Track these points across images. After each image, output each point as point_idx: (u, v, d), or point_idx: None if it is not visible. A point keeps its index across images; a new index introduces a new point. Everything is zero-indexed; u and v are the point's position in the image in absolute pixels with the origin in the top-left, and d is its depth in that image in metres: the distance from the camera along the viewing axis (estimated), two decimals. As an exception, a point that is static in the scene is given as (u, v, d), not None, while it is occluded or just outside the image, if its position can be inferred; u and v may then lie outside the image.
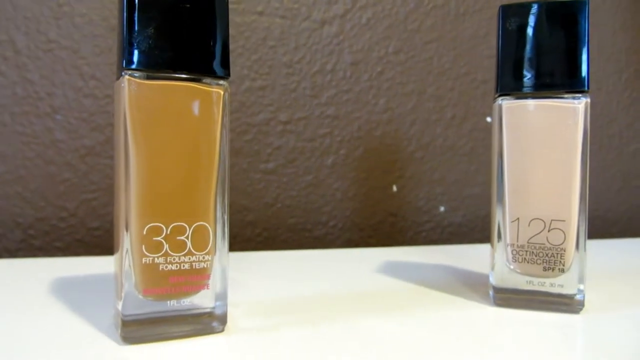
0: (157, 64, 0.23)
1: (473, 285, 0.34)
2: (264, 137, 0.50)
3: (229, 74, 0.24)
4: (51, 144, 0.45)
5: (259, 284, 0.34)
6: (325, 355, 0.22)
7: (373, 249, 0.50)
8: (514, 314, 0.28)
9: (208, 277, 0.24)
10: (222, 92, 0.24)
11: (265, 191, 0.50)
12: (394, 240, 0.54)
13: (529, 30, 0.28)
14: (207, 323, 0.24)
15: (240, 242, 0.50)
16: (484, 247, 0.49)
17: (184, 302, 0.23)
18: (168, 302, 0.23)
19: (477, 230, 0.56)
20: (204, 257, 0.24)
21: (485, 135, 0.56)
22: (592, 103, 0.58)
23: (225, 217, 0.25)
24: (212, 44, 0.24)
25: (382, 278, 0.36)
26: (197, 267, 0.24)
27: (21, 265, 0.39)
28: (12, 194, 0.45)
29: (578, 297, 0.28)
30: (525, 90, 0.29)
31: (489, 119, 0.56)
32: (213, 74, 0.24)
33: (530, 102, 0.28)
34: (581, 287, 0.28)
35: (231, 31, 0.49)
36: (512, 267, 0.29)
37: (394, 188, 0.54)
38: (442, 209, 0.55)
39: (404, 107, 0.54)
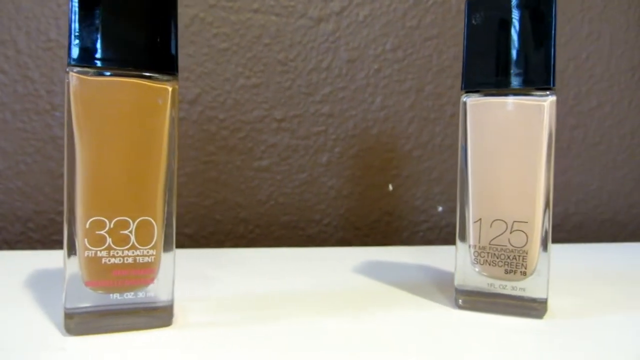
0: (102, 61, 0.23)
1: (447, 287, 0.33)
2: (257, 135, 0.50)
3: (175, 70, 0.25)
4: (50, 140, 0.47)
5: (232, 281, 0.34)
6: (262, 352, 0.22)
7: (365, 248, 0.49)
8: (473, 317, 0.27)
9: (152, 271, 0.24)
10: (168, 89, 0.24)
11: (259, 188, 0.51)
12: (390, 240, 0.53)
13: (495, 26, 0.27)
14: (151, 317, 0.24)
15: (232, 238, 0.50)
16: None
17: (127, 295, 0.24)
18: (111, 295, 0.24)
19: (477, 231, 0.55)
20: (148, 252, 0.24)
21: (487, 134, 0.55)
22: (601, 102, 0.55)
23: (173, 213, 0.25)
24: (158, 40, 0.24)
25: (360, 278, 0.36)
26: (141, 261, 0.24)
27: (20, 257, 0.41)
28: (12, 189, 0.46)
29: (541, 301, 0.27)
30: (490, 87, 0.28)
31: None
32: (159, 71, 0.24)
33: (495, 100, 0.28)
34: (545, 291, 0.27)
35: (226, 29, 0.49)
36: (475, 269, 0.28)
37: (390, 187, 0.53)
38: (440, 209, 0.54)
39: (402, 105, 0.53)
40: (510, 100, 0.27)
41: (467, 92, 0.28)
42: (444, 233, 0.54)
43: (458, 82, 0.54)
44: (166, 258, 0.25)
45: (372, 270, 0.38)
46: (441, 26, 0.53)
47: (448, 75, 0.53)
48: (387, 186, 0.53)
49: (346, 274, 0.37)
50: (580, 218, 0.57)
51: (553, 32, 0.27)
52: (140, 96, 0.24)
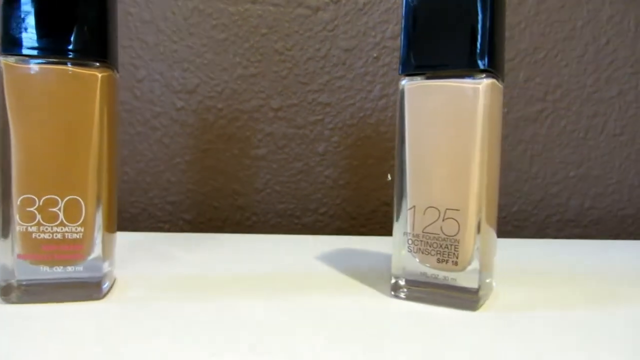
0: (31, 49, 0.25)
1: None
2: (255, 124, 0.51)
3: (105, 57, 0.26)
4: None
5: (193, 263, 0.35)
6: (173, 327, 0.23)
7: (340, 237, 0.49)
8: (404, 307, 0.27)
9: (81, 247, 0.26)
10: (97, 75, 0.25)
11: (256, 177, 0.52)
12: (388, 230, 0.52)
13: (431, 7, 0.27)
14: (80, 291, 0.26)
15: (230, 225, 0.52)
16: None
17: (56, 269, 0.25)
18: (41, 267, 0.25)
19: (481, 224, 0.53)
20: (76, 229, 0.25)
21: (494, 123, 0.52)
22: (623, 89, 0.52)
23: (103, 193, 0.26)
24: (86, 28, 0.25)
25: (319, 264, 0.36)
26: (69, 237, 0.25)
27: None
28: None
29: (472, 293, 0.26)
30: (424, 70, 0.27)
31: (498, 107, 0.52)
32: (89, 58, 0.25)
33: (429, 83, 0.27)
34: (475, 282, 0.26)
35: (224, 20, 0.50)
36: (408, 257, 0.28)
37: (389, 177, 0.52)
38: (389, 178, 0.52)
39: (401, 94, 0.52)
40: (445, 83, 0.26)
41: (403, 75, 0.28)
42: (446, 225, 0.53)
43: (461, 70, 0.52)
44: (99, 236, 0.26)
45: (336, 258, 0.38)
46: (444, 12, 0.51)
47: (452, 63, 0.52)
48: (386, 176, 0.52)
49: (308, 260, 0.37)
50: (599, 213, 0.54)
51: (489, 10, 0.25)
52: (68, 83, 0.25)
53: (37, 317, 0.24)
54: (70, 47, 0.25)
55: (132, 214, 0.51)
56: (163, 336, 0.22)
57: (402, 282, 0.28)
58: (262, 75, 0.51)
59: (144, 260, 0.35)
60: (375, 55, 0.51)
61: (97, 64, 0.26)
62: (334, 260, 0.37)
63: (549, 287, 0.32)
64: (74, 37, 0.25)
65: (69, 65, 0.25)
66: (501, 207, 0.53)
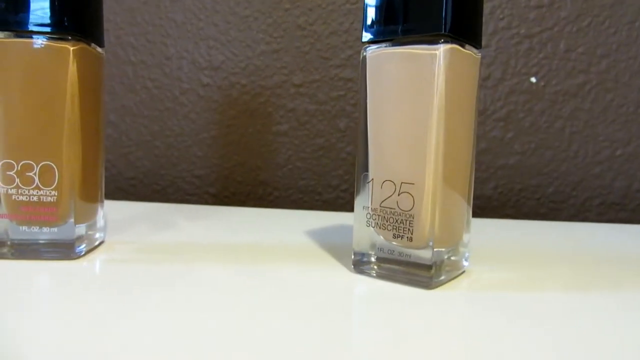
0: (6, 23, 0.26)
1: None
2: (277, 100, 0.52)
3: (79, 32, 0.27)
4: (98, 104, 0.53)
5: (191, 232, 0.37)
6: (135, 288, 0.24)
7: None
8: (357, 282, 0.26)
9: (56, 210, 0.28)
10: (69, 49, 0.27)
11: (277, 152, 0.52)
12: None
13: (392, -31, 0.25)
14: (55, 250, 0.28)
15: (252, 199, 0.53)
16: (504, 222, 0.44)
17: (34, 229, 0.28)
18: (21, 227, 0.28)
19: (510, 205, 0.50)
20: (50, 192, 0.27)
21: (528, 98, 0.49)
22: None
23: (76, 160, 0.28)
24: (62, 4, 0.27)
25: (304, 238, 0.36)
26: (44, 200, 0.27)
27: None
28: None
29: (427, 271, 0.25)
30: (385, 37, 0.26)
31: (533, 79, 0.49)
32: (62, 32, 0.27)
33: (388, 50, 0.25)
34: (429, 260, 0.25)
35: (248, -3, 0.51)
36: (369, 231, 0.27)
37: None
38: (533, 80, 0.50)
39: (427, 68, 0.50)
40: (403, 50, 0.25)
41: (364, 44, 0.26)
42: (473, 206, 0.50)
43: (492, 41, 0.49)
44: (74, 200, 0.28)
45: (331, 233, 0.37)
46: (475, -21, 0.48)
47: (483, 33, 0.49)
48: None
49: (300, 235, 0.37)
50: (649, 197, 0.49)
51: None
52: (40, 55, 0.27)
53: (6, 272, 0.26)
54: (44, 21, 0.27)
55: (162, 186, 0.53)
56: (120, 294, 0.23)
57: (362, 258, 0.27)
58: (284, 50, 0.51)
59: (145, 229, 0.37)
60: (399, 27, 0.50)
61: (70, 37, 0.27)
62: (326, 234, 0.37)
63: (538, 270, 0.29)
64: (48, 12, 0.27)
65: (42, 39, 0.27)
66: (534, 188, 0.49)
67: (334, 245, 0.33)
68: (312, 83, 0.51)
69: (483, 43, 0.48)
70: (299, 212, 0.48)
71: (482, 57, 0.48)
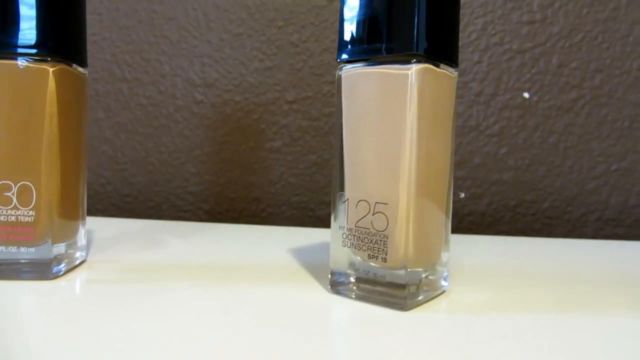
0: (-12, 47, 0.27)
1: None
2: (270, 116, 0.52)
3: (58, 52, 0.27)
4: (94, 121, 0.54)
5: (174, 250, 0.37)
6: (108, 308, 0.24)
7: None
8: (333, 302, 0.26)
9: (34, 230, 0.28)
10: (49, 70, 0.27)
11: (270, 169, 0.52)
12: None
13: (366, -11, 0.25)
14: (31, 270, 0.28)
15: (246, 216, 0.53)
16: (497, 239, 0.44)
17: (11, 249, 0.28)
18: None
19: (504, 221, 0.49)
20: (28, 212, 0.28)
21: (521, 113, 0.48)
22: None
23: (54, 180, 0.28)
24: (41, 25, 0.27)
25: (288, 256, 0.35)
26: (22, 220, 0.28)
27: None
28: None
29: (400, 292, 0.24)
30: (359, 56, 0.26)
31: (526, 95, 0.48)
32: (41, 53, 0.27)
33: (362, 70, 0.25)
34: (405, 281, 0.24)
35: (241, 14, 0.51)
36: (346, 252, 0.27)
37: (461, 195, 0.50)
38: (462, 195, 0.50)
39: (419, 84, 0.49)
40: (377, 70, 0.25)
41: (340, 63, 0.26)
42: (467, 222, 0.50)
43: (484, 57, 0.48)
44: (50, 220, 0.28)
45: (313, 251, 0.37)
46: (466, -5, 0.48)
47: (475, 49, 0.49)
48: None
49: (284, 252, 0.37)
50: (646, 214, 0.48)
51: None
52: (20, 77, 0.27)
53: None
54: (24, 42, 0.27)
55: (157, 202, 0.54)
56: (95, 314, 0.23)
57: (338, 278, 0.27)
58: (277, 68, 0.51)
59: (130, 247, 0.37)
60: (391, 44, 0.50)
61: (49, 58, 0.27)
62: (311, 253, 0.36)
63: (524, 290, 0.29)
64: (28, 33, 0.27)
65: (22, 60, 0.27)
66: (529, 204, 0.49)
67: (317, 264, 0.33)
68: (305, 100, 0.51)
69: (475, 59, 0.48)
70: (290, 229, 0.47)
71: (475, 73, 0.48)
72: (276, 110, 0.52)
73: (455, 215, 0.50)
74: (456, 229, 0.50)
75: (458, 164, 0.49)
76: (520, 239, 0.45)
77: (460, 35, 0.49)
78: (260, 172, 0.52)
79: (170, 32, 0.52)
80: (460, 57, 0.49)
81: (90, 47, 0.53)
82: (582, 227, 0.49)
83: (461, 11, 0.48)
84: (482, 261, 0.36)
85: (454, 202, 0.49)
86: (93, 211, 0.54)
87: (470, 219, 0.50)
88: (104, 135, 0.54)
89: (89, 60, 0.54)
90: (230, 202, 0.53)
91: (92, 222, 0.45)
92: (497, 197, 0.49)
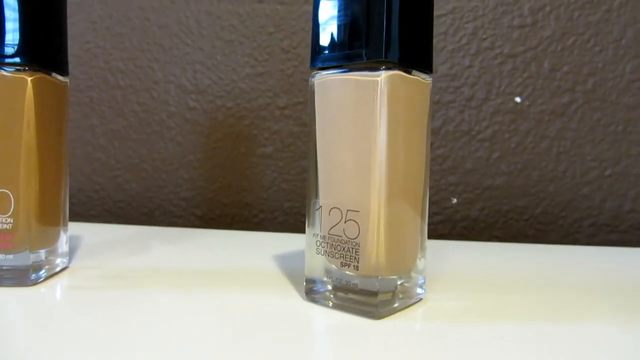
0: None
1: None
2: (262, 122, 0.52)
3: (36, 62, 0.28)
4: (88, 128, 0.54)
5: (158, 256, 0.37)
6: (84, 313, 0.24)
7: None
8: (307, 310, 0.26)
9: (11, 237, 0.28)
10: (27, 79, 0.28)
11: (262, 175, 0.52)
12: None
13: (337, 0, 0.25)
14: (10, 277, 0.28)
15: (238, 222, 0.53)
16: (489, 245, 0.43)
17: (-10, 256, 0.28)
18: (-22, 255, 0.28)
19: (497, 226, 0.49)
20: (6, 220, 0.28)
21: (513, 118, 0.48)
22: None
23: (33, 188, 0.28)
24: (19, 33, 0.27)
25: (272, 263, 0.35)
26: (0, 227, 0.28)
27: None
28: (63, 169, 0.55)
29: (372, 300, 0.24)
30: (332, 63, 0.26)
31: (518, 99, 0.48)
32: (21, 63, 0.27)
33: (334, 77, 0.25)
34: (376, 289, 0.24)
35: (233, 21, 0.51)
36: (320, 259, 0.26)
37: (453, 200, 0.50)
38: (454, 200, 0.49)
39: (410, 89, 0.49)
40: (348, 77, 0.25)
41: (313, 70, 0.26)
42: (459, 228, 0.49)
43: (475, 62, 0.48)
44: (30, 227, 0.28)
45: (290, 257, 0.37)
46: (457, 0, 0.48)
47: (465, 54, 0.48)
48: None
49: (266, 258, 0.36)
50: (641, 219, 0.47)
51: (394, 3, 0.24)
52: (-2, 85, 0.27)
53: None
54: (2, 52, 0.27)
55: (150, 208, 0.54)
56: (72, 319, 0.23)
57: (313, 286, 0.27)
58: (269, 73, 0.51)
59: (115, 253, 0.37)
60: (381, 49, 0.49)
61: (26, 68, 0.28)
62: (295, 259, 0.36)
63: (505, 297, 0.28)
64: (6, 42, 0.27)
65: (1, 70, 0.27)
66: (522, 209, 0.48)
67: (300, 272, 0.33)
68: (296, 105, 0.51)
69: (466, 63, 0.48)
70: (281, 235, 0.47)
71: (466, 78, 0.48)
72: (268, 116, 0.52)
73: (447, 221, 0.50)
74: (448, 235, 0.50)
75: (450, 170, 0.49)
76: (513, 245, 0.45)
77: (451, 39, 0.49)
78: (252, 178, 0.52)
79: (162, 39, 0.53)
80: (451, 61, 0.49)
81: (83, 55, 0.53)
82: (576, 232, 0.48)
83: (451, 16, 0.48)
84: (467, 268, 0.36)
85: (446, 208, 0.49)
86: (87, 217, 0.55)
87: (462, 225, 0.49)
88: (98, 142, 0.54)
89: (83, 68, 0.54)
90: (222, 208, 0.53)
91: (84, 228, 0.46)
92: (489, 203, 0.49)
